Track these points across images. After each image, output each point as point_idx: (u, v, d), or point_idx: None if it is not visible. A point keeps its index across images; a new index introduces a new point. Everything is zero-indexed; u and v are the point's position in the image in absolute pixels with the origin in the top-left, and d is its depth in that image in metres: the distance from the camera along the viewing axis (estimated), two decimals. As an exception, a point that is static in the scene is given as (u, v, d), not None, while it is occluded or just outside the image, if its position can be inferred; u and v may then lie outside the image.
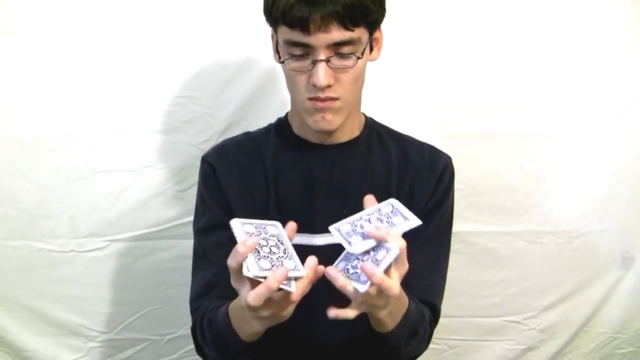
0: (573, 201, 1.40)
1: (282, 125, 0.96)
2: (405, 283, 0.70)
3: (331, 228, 0.70)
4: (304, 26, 0.75)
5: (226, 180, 0.90)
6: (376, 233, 0.66)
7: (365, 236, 0.67)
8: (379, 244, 0.66)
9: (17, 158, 1.28)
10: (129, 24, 1.24)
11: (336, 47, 0.78)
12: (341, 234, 0.69)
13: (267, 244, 0.67)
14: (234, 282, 0.66)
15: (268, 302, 0.64)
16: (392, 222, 0.69)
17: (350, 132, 0.92)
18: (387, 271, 0.65)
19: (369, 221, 0.70)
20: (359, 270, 0.64)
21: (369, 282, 0.62)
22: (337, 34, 0.76)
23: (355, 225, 0.70)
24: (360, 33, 0.79)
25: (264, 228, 0.69)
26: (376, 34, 0.85)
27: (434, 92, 1.33)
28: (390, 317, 0.75)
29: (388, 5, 1.28)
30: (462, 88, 1.33)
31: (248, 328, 0.73)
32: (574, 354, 1.51)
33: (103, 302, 1.38)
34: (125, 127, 1.29)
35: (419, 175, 0.91)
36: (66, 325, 1.38)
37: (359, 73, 0.83)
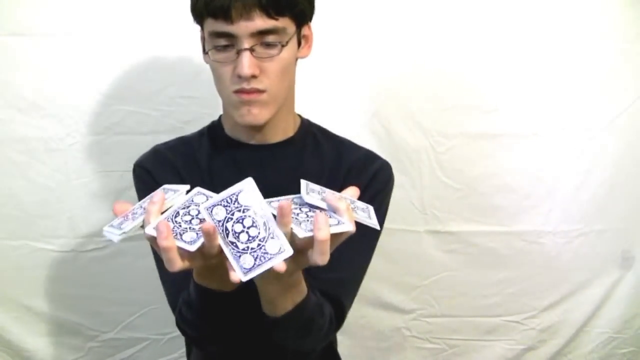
0: (573, 201, 1.40)
1: (215, 128, 0.94)
2: (311, 273, 0.69)
3: (302, 180, 0.68)
4: (226, 14, 0.74)
5: (164, 181, 0.83)
6: (337, 202, 0.62)
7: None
8: (331, 214, 0.62)
9: (17, 158, 1.28)
10: (129, 24, 1.24)
11: (260, 36, 0.77)
12: (306, 186, 0.66)
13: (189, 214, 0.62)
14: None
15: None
16: (356, 206, 0.66)
17: (284, 132, 0.89)
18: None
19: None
20: (300, 218, 0.61)
21: (310, 233, 0.58)
22: (260, 22, 0.75)
23: (324, 192, 0.66)
24: (285, 23, 0.78)
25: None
26: (305, 31, 0.84)
27: (434, 93, 1.33)
28: (282, 298, 0.71)
29: (390, 5, 1.29)
30: (462, 88, 1.33)
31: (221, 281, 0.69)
32: (574, 354, 1.51)
33: (103, 302, 1.38)
34: (125, 127, 1.29)
35: (350, 175, 0.88)
36: (66, 325, 1.38)
37: (285, 65, 0.80)
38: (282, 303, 0.71)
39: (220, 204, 0.60)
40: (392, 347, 1.50)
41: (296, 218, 0.61)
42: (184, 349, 1.42)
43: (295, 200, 0.66)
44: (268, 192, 0.78)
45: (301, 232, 0.58)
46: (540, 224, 1.41)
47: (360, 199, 0.80)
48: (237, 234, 0.59)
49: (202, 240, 0.58)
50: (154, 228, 0.59)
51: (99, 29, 1.24)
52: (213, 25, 0.77)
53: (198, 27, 0.84)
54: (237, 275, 0.57)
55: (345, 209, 0.62)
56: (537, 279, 1.45)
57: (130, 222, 0.62)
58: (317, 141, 0.93)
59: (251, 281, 0.60)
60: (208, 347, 0.87)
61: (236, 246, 0.58)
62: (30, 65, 1.24)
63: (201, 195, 0.64)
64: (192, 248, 0.58)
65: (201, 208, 0.60)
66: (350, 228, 0.61)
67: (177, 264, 0.58)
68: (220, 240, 0.58)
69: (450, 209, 1.40)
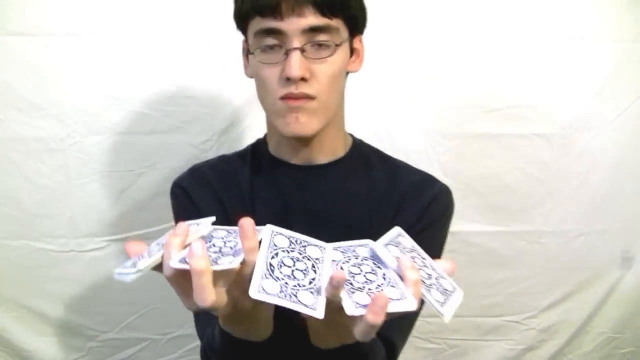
0: (573, 201, 1.40)
1: (258, 146, 0.88)
2: None
3: (396, 228, 0.60)
4: (275, 9, 0.69)
5: (202, 201, 0.82)
6: (408, 270, 0.53)
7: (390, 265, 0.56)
8: (397, 282, 0.54)
9: (17, 158, 1.28)
10: (129, 24, 1.24)
11: (312, 34, 0.71)
12: (392, 237, 0.58)
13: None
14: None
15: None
16: (438, 285, 0.57)
17: (333, 152, 0.83)
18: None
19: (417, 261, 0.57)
20: (356, 282, 0.53)
21: (361, 311, 0.50)
22: (312, 18, 0.70)
23: (410, 250, 0.58)
24: (338, 24, 0.73)
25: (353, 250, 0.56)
26: (357, 43, 0.80)
27: (434, 93, 1.33)
28: (327, 334, 0.64)
29: (389, 5, 1.29)
30: (462, 88, 1.33)
31: (249, 332, 0.65)
32: (574, 354, 1.51)
33: (103, 302, 1.38)
34: (125, 127, 1.28)
35: (405, 202, 0.80)
36: (66, 325, 1.38)
37: (337, 70, 0.75)
38: (325, 339, 0.65)
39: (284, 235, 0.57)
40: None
41: (351, 281, 0.53)
42: (184, 349, 1.43)
43: (361, 247, 0.58)
44: (310, 216, 0.78)
45: (351, 308, 0.50)
46: (540, 224, 1.41)
47: (414, 226, 0.74)
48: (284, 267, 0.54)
49: (242, 256, 0.52)
50: (182, 259, 0.51)
51: (99, 29, 1.24)
52: (260, 23, 0.71)
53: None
54: (252, 289, 0.50)
55: (414, 283, 0.53)
56: (537, 279, 1.45)
57: (146, 259, 0.56)
58: (370, 163, 0.85)
59: (284, 330, 0.58)
60: None
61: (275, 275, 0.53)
62: (30, 65, 1.24)
63: (282, 237, 0.58)
64: (234, 264, 0.51)
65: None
66: (412, 307, 0.51)
67: (210, 294, 0.50)
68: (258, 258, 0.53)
69: (450, 209, 1.40)
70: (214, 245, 0.56)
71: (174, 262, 0.52)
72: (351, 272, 0.55)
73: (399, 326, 0.79)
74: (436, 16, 1.29)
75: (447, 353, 1.50)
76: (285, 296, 0.50)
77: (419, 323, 1.48)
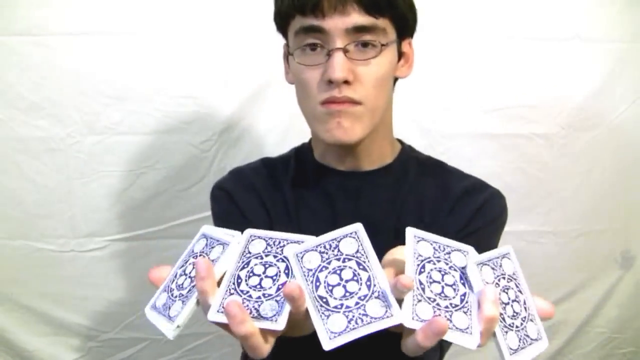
0: (573, 201, 1.40)
1: (303, 151, 0.83)
2: None
3: (508, 246, 0.52)
4: (316, 7, 0.64)
5: (245, 202, 0.78)
6: (489, 304, 0.46)
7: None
8: (471, 309, 0.47)
9: (17, 158, 1.28)
10: (129, 24, 1.24)
11: (356, 34, 0.66)
12: (497, 259, 0.50)
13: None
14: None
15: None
16: (525, 328, 0.49)
17: (380, 158, 0.79)
18: None
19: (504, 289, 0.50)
20: (429, 292, 0.46)
21: (419, 324, 0.44)
22: (357, 17, 0.65)
23: (510, 279, 0.51)
24: (385, 24, 0.67)
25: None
26: (406, 47, 0.75)
27: (434, 93, 1.33)
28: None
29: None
30: (462, 88, 1.33)
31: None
32: (574, 354, 1.51)
33: (103, 302, 1.38)
34: (125, 127, 1.28)
35: (455, 209, 0.77)
36: (66, 325, 1.38)
37: (384, 74, 0.69)
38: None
39: (316, 250, 0.47)
40: (392, 347, 1.50)
41: (425, 286, 0.46)
42: (184, 349, 1.43)
43: (457, 253, 0.50)
44: (363, 225, 0.70)
45: (407, 317, 0.44)
46: (540, 224, 1.41)
47: (462, 231, 0.70)
48: (330, 288, 0.46)
49: (288, 309, 0.44)
50: (220, 312, 0.45)
51: (99, 29, 1.23)
52: (301, 21, 0.67)
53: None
54: (322, 341, 0.44)
55: (488, 321, 0.46)
56: (537, 279, 1.45)
57: (179, 307, 0.50)
58: (420, 170, 0.82)
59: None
60: None
61: (327, 303, 0.45)
62: (30, 65, 1.24)
63: (259, 240, 0.50)
64: (281, 326, 0.44)
65: (289, 255, 0.47)
66: (472, 346, 0.45)
67: (264, 349, 0.45)
68: (306, 297, 0.45)
69: (450, 209, 1.40)
70: (253, 272, 0.48)
71: (213, 316, 0.46)
72: (431, 277, 0.47)
73: None
74: (436, 16, 1.29)
75: (447, 353, 1.50)
76: (357, 323, 0.44)
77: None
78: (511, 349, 0.45)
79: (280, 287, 0.46)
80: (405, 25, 0.72)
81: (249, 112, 1.30)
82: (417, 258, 0.47)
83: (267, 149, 1.31)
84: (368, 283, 0.46)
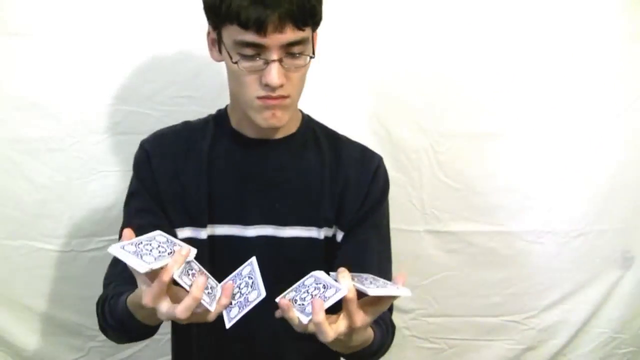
0: (573, 201, 1.40)
1: (221, 118, 0.95)
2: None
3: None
4: (259, 27, 0.74)
5: (158, 168, 0.91)
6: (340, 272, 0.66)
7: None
8: (328, 284, 0.67)
9: (17, 158, 1.28)
10: (129, 23, 1.24)
11: (288, 47, 0.78)
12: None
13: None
14: (154, 295, 0.67)
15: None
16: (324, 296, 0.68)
17: (287, 128, 0.91)
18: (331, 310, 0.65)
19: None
20: (305, 302, 0.66)
21: (310, 316, 0.63)
22: (290, 34, 0.76)
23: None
24: (308, 33, 0.80)
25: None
26: (314, 36, 0.86)
27: (434, 93, 1.33)
28: (343, 347, 0.74)
29: (390, 5, 1.29)
30: (462, 88, 1.33)
31: (150, 320, 0.76)
32: (574, 354, 1.51)
33: (103, 302, 1.38)
34: (125, 127, 1.28)
35: (351, 175, 0.92)
36: (66, 325, 1.38)
37: (306, 71, 0.83)
38: (347, 348, 0.74)
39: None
40: (392, 347, 1.47)
41: (295, 306, 0.66)
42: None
43: (309, 279, 0.69)
44: (269, 186, 0.90)
45: (304, 318, 0.64)
46: (540, 224, 1.41)
47: (363, 201, 0.91)
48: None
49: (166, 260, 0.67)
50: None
51: (99, 29, 1.23)
52: (242, 35, 0.76)
53: (201, 24, 0.83)
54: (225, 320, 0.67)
55: (342, 271, 0.66)
56: (537, 279, 1.45)
57: (156, 261, 0.71)
58: (317, 137, 0.95)
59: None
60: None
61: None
62: (30, 65, 1.24)
63: (162, 237, 0.73)
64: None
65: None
66: (346, 292, 0.64)
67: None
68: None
69: (450, 209, 1.40)
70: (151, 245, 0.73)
71: (177, 277, 0.66)
72: (299, 297, 0.68)
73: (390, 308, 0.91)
74: (436, 16, 1.29)
75: (447, 353, 1.50)
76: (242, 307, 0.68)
77: (419, 323, 1.49)
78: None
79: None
80: (318, 22, 0.83)
81: (249, 112, 1.30)
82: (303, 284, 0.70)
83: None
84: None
